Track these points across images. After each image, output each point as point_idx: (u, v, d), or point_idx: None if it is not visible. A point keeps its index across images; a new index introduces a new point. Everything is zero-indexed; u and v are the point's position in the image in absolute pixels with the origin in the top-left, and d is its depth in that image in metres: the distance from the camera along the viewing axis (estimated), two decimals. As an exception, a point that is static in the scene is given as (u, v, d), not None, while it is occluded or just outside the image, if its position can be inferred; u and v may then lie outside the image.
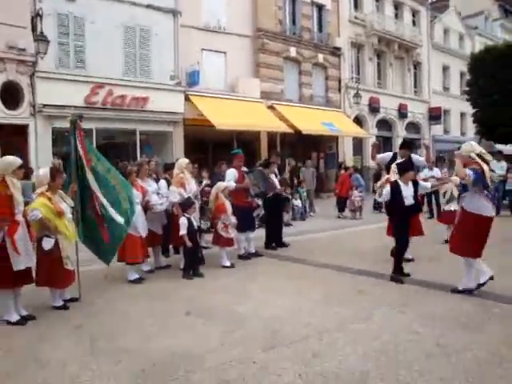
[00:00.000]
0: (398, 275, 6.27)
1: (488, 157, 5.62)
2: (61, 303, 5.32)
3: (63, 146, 13.56)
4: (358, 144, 24.00)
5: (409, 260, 7.19)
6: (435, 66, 29.86)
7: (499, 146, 26.63)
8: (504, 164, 13.65)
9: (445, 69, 31.12)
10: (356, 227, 12.07)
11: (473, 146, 5.61)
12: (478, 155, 5.47)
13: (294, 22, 21.15)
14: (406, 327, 4.50)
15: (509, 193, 13.59)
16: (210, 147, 17.72)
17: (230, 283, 6.39)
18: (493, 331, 4.39)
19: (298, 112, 19.38)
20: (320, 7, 22.22)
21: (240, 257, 7.99)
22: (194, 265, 6.75)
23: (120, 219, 5.56)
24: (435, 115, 28.85)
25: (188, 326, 4.66)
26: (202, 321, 4.81)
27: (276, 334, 4.38)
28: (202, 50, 17.40)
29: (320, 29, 22.37)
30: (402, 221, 6.38)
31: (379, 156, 7.95)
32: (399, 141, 26.46)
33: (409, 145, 7.94)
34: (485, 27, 35.78)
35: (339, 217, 14.01)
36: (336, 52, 22.63)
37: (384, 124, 26.12)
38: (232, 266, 7.33)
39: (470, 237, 5.40)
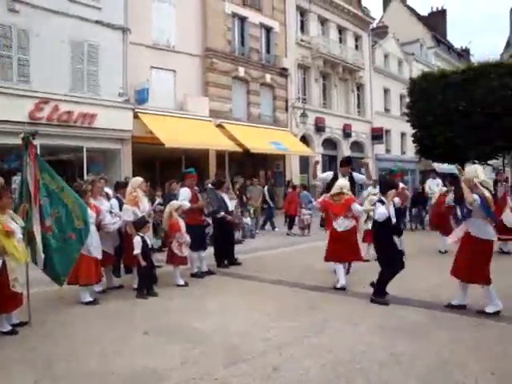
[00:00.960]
0: (383, 297, 6.08)
1: (489, 185, 5.62)
2: (8, 328, 5.08)
3: (4, 163, 13.12)
4: (305, 162, 24.58)
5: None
6: (377, 89, 31.26)
7: (437, 165, 28.21)
8: (439, 181, 14.46)
9: (386, 91, 32.64)
10: (305, 244, 12.33)
11: (477, 172, 5.61)
12: (480, 183, 5.46)
13: (242, 42, 21.59)
14: (359, 339, 4.69)
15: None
16: (158, 165, 17.61)
17: (186, 301, 6.39)
18: (439, 338, 4.68)
19: (246, 131, 19.69)
20: (268, 29, 22.83)
21: (193, 275, 7.98)
22: (148, 284, 6.69)
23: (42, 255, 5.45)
24: (377, 135, 30.11)
25: (147, 346, 4.63)
26: (162, 339, 4.79)
27: (236, 350, 4.45)
28: (152, 67, 17.41)
29: (268, 50, 22.95)
30: (391, 240, 6.14)
31: (320, 176, 8.10)
32: (344, 160, 27.42)
33: (349, 162, 8.10)
34: (420, 54, 37.94)
35: (288, 234, 14.27)
36: (283, 73, 23.24)
37: (329, 143, 26.95)
38: (186, 284, 7.32)
39: (479, 262, 5.44)
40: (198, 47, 19.31)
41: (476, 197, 5.29)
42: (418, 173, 33.56)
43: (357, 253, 6.96)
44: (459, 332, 4.86)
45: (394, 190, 6.20)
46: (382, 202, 6.02)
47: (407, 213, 14.37)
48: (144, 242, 6.65)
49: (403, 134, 32.38)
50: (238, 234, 12.10)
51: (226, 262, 9.07)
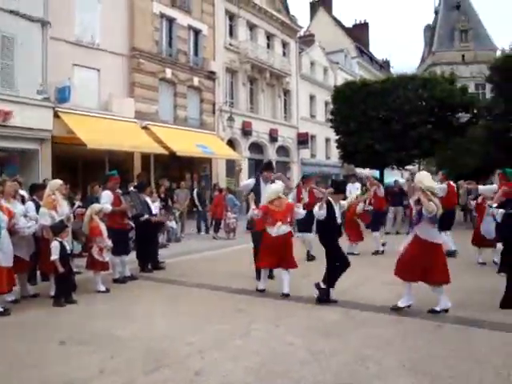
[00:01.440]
0: (328, 297, 6.15)
1: (435, 190, 5.77)
2: None
3: None
4: (231, 166, 24.69)
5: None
6: (303, 95, 32.10)
7: (359, 170, 29.41)
8: (358, 185, 15.09)
9: (311, 97, 33.60)
10: (231, 247, 12.39)
11: (423, 179, 5.73)
12: (427, 189, 5.60)
13: (170, 44, 21.31)
14: (281, 340, 4.79)
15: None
16: (80, 167, 16.93)
17: (106, 308, 6.19)
18: (357, 335, 4.89)
19: (172, 133, 19.44)
20: (197, 32, 22.71)
21: (115, 281, 7.74)
22: (66, 291, 6.40)
23: None
24: (303, 140, 30.88)
25: (64, 356, 4.42)
26: (79, 349, 4.59)
27: (158, 356, 4.37)
28: (74, 65, 16.67)
29: (196, 53, 22.83)
30: (335, 240, 6.27)
31: (242, 184, 7.94)
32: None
33: (271, 167, 8.15)
34: (345, 63, 39.50)
35: (214, 238, 14.26)
36: (211, 76, 23.21)
37: (256, 147, 27.26)
38: (107, 290, 7.08)
39: (420, 262, 5.58)
40: (124, 46, 18.79)
41: (433, 206, 5.46)
42: (341, 177, 34.82)
43: (291, 259, 6.75)
44: (376, 329, 5.11)
45: (342, 194, 6.39)
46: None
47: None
48: (62, 247, 6.36)
49: (328, 140, 33.47)
50: (162, 238, 11.92)
51: (149, 266, 8.90)
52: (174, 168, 20.35)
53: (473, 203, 9.56)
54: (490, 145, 18.14)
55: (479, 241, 9.15)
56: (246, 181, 8.29)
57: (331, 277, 6.14)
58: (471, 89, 34.41)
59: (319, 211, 6.12)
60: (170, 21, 21.15)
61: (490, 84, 18.43)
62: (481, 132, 20.09)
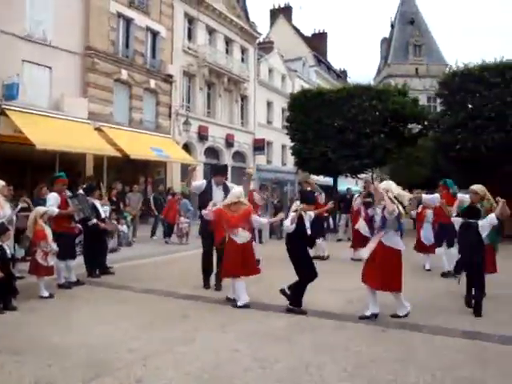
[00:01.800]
0: (299, 307, 6.07)
1: (404, 199, 5.91)
2: None
3: None
4: (186, 170, 24.41)
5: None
6: (260, 101, 32.29)
7: (315, 177, 29.76)
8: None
9: (269, 104, 33.87)
10: (182, 252, 12.27)
11: (390, 186, 5.90)
12: (394, 197, 5.74)
13: (127, 45, 20.97)
14: (227, 346, 4.77)
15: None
16: (28, 168, 16.32)
17: (48, 315, 5.97)
18: (302, 341, 4.93)
19: (126, 136, 19.08)
20: (154, 34, 22.47)
21: (60, 286, 7.50)
22: (5, 297, 6.12)
23: None
24: (259, 146, 31.03)
25: (-3, 366, 4.23)
26: (14, 358, 4.38)
27: (99, 364, 4.25)
28: (24, 61, 16.06)
29: (153, 55, 22.56)
30: (306, 251, 6.22)
31: (194, 184, 7.71)
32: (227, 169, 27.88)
33: (225, 171, 8.16)
34: (303, 71, 40.06)
35: (166, 242, 14.09)
36: (168, 79, 22.99)
37: (212, 152, 27.18)
38: (51, 296, 6.84)
39: (392, 270, 5.70)
40: (79, 45, 18.29)
41: (395, 207, 5.61)
42: (296, 184, 35.19)
43: (254, 266, 6.60)
44: (321, 335, 5.17)
45: (304, 205, 6.18)
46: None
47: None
48: (2, 250, 6.10)
49: (284, 146, 33.77)
50: (113, 242, 11.67)
51: (97, 271, 8.68)
52: (128, 171, 19.96)
53: (413, 213, 9.93)
54: (439, 155, 18.79)
55: (421, 247, 9.74)
56: (197, 182, 7.99)
57: (300, 288, 6.07)
58: (423, 101, 35.75)
59: (290, 225, 6.02)
60: (128, 21, 20.83)
61: (440, 98, 19.09)
62: (430, 143, 20.78)
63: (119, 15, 20.22)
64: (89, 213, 8.14)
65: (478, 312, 5.97)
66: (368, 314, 5.76)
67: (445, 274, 8.73)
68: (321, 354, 4.57)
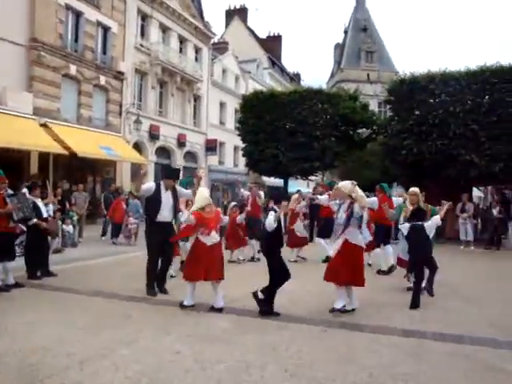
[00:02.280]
0: (271, 308, 6.00)
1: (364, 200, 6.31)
2: None
3: None
4: (137, 170, 24.03)
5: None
6: (213, 101, 32.18)
7: (267, 179, 29.98)
8: (262, 194, 15.38)
9: (222, 105, 33.80)
10: (129, 253, 12.00)
11: (354, 187, 6.20)
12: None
13: (76, 39, 20.35)
14: (168, 348, 4.71)
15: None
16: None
17: (-19, 319, 5.69)
18: (244, 342, 4.94)
19: (74, 133, 18.52)
20: (106, 29, 21.93)
21: (-4, 289, 7.17)
22: None
23: None
24: (211, 146, 30.93)
25: None
26: None
27: (33, 369, 4.09)
28: (-39, 51, 15.33)
29: (104, 51, 22.02)
30: (279, 252, 6.10)
31: (143, 187, 7.26)
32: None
33: (177, 176, 7.78)
34: (257, 73, 40.26)
35: (114, 243, 13.77)
36: (119, 76, 22.49)
37: (163, 151, 26.85)
38: (-15, 299, 6.54)
39: (360, 267, 6.17)
40: (23, 36, 17.53)
41: (366, 201, 6.16)
42: (248, 185, 35.24)
43: (221, 269, 6.24)
44: (263, 336, 5.19)
45: (286, 202, 6.27)
46: (275, 211, 6.01)
47: None
48: None
49: (236, 147, 33.80)
50: (57, 243, 11.27)
51: (38, 273, 8.34)
52: (76, 170, 19.38)
53: None
54: (387, 159, 19.33)
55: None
56: (147, 184, 7.47)
57: (272, 289, 6.01)
58: (374, 106, 36.78)
59: (273, 224, 5.91)
60: (77, 14, 20.22)
61: (388, 104, 19.65)
62: (379, 147, 21.36)
63: (68, 7, 19.58)
64: (29, 212, 7.81)
65: (431, 292, 6.96)
66: (337, 306, 6.11)
67: (380, 272, 9.28)
68: (262, 354, 4.59)
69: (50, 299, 6.86)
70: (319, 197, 10.32)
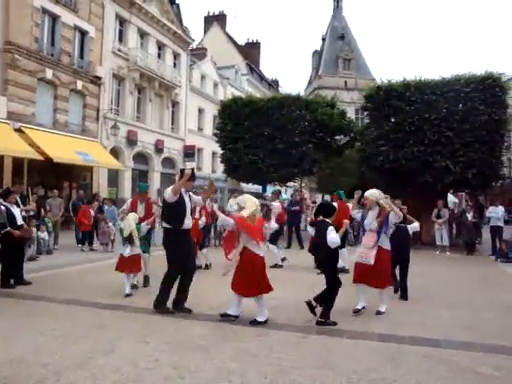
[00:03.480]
0: (328, 316, 5.97)
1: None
2: None
3: None
4: (114, 176, 23.82)
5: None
6: (192, 107, 32.12)
7: (245, 185, 29.98)
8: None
9: (200, 111, 33.74)
10: (106, 260, 11.80)
11: (380, 194, 6.58)
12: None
13: (53, 43, 20.09)
14: (147, 356, 4.65)
15: None
16: None
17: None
18: (224, 350, 4.91)
19: (50, 138, 18.26)
20: (83, 33, 21.74)
21: (-32, 297, 6.99)
22: None
23: None
24: (189, 152, 30.82)
25: None
26: None
27: (7, 382, 3.98)
28: None
29: (81, 55, 21.81)
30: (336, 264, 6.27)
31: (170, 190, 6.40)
32: (155, 175, 27.43)
33: (194, 177, 6.84)
34: (235, 79, 40.34)
35: (91, 249, 13.59)
36: (96, 81, 22.29)
37: (141, 157, 26.65)
38: (-44, 308, 6.35)
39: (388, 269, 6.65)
40: (-3, 39, 17.26)
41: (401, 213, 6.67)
42: (227, 191, 35.24)
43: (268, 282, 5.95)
44: (243, 342, 5.17)
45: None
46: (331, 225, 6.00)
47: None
48: None
49: (214, 153, 33.79)
50: (31, 250, 11.06)
51: (11, 281, 8.15)
52: (51, 175, 19.07)
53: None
54: (364, 166, 19.53)
55: None
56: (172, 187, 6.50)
57: (333, 298, 6.13)
58: (351, 114, 37.15)
59: (338, 240, 5.94)
60: (54, 18, 20.01)
61: (365, 111, 19.87)
62: (356, 154, 21.57)
63: (44, 11, 19.35)
64: (3, 219, 7.65)
65: (405, 297, 7.36)
66: (359, 307, 6.52)
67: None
68: (242, 361, 4.58)
69: (24, 308, 6.70)
70: (273, 203, 10.59)
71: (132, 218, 7.46)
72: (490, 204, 18.74)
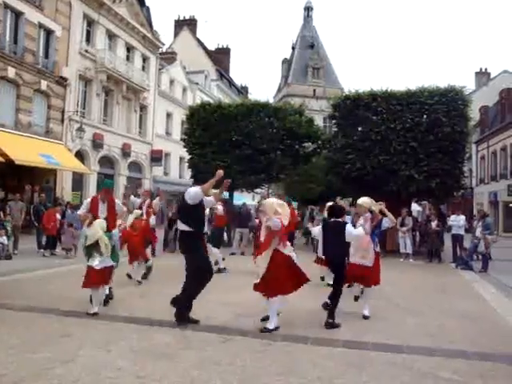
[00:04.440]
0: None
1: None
2: None
3: None
4: (79, 179, 23.32)
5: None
6: (160, 111, 31.84)
7: (214, 191, 29.76)
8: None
9: (168, 115, 33.47)
10: (67, 266, 11.53)
11: (372, 202, 6.92)
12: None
13: (15, 40, 19.55)
14: (109, 364, 4.54)
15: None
16: None
17: None
18: (188, 357, 4.84)
19: (12, 139, 17.75)
20: (48, 32, 21.27)
21: None
22: None
23: None
24: (157, 157, 30.47)
25: None
26: None
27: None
28: None
29: (46, 55, 21.31)
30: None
31: (193, 190, 6.13)
32: (122, 179, 26.99)
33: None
34: (205, 85, 40.26)
35: (45, 255, 13.23)
36: (62, 82, 21.82)
37: (107, 161, 26.21)
38: None
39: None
40: (-45, 35, 16.70)
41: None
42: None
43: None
44: (207, 350, 5.11)
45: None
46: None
47: None
48: None
49: (182, 158, 33.54)
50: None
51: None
52: (12, 178, 18.50)
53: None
54: (331, 173, 19.74)
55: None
56: (194, 188, 6.19)
57: (339, 295, 6.37)
58: (319, 121, 37.62)
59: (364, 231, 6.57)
60: (17, 14, 19.47)
61: (333, 120, 20.11)
62: (323, 162, 21.79)
63: (6, 6, 18.82)
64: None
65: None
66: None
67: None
68: (206, 369, 4.52)
69: (-22, 315, 6.45)
70: (218, 207, 10.76)
71: (99, 225, 6.64)
72: (451, 213, 19.24)
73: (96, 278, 6.45)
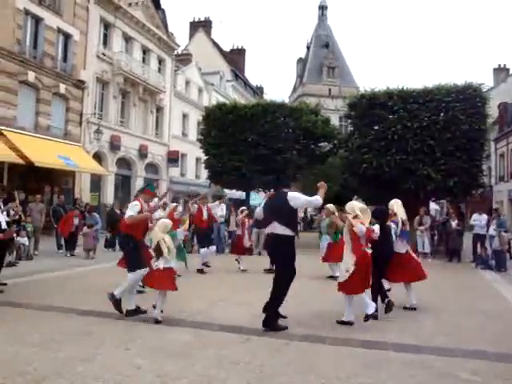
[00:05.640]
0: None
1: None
2: None
3: None
4: (97, 181, 23.59)
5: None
6: (176, 113, 32.01)
7: (229, 191, 29.90)
8: (223, 206, 15.41)
9: (184, 116, 33.64)
10: (88, 267, 11.71)
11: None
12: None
13: (35, 45, 19.89)
14: (129, 363, 4.59)
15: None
16: None
17: None
18: (206, 356, 4.87)
19: (31, 142, 18.02)
20: (67, 36, 21.58)
21: None
22: None
23: None
24: (173, 158, 30.65)
25: None
26: None
27: (-17, 391, 3.89)
28: None
29: (65, 58, 21.62)
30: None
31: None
32: (138, 180, 27.23)
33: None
34: (220, 85, 40.37)
35: (72, 255, 13.42)
36: (80, 85, 22.10)
37: (124, 162, 26.46)
38: None
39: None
40: (-22, 40, 17.02)
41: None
42: (210, 197, 35.08)
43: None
44: (225, 349, 5.14)
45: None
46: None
47: None
48: None
49: (198, 159, 33.66)
50: (11, 257, 10.88)
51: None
52: (32, 180, 18.79)
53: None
54: (347, 173, 19.67)
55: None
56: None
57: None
58: (335, 121, 37.41)
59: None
60: (37, 20, 19.82)
61: (349, 119, 20.04)
62: (339, 161, 21.71)
63: (27, 12, 19.15)
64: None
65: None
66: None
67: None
68: (224, 368, 4.54)
69: (0, 315, 6.58)
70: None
71: (162, 225, 6.43)
72: (470, 212, 18.98)
73: (159, 280, 6.23)
